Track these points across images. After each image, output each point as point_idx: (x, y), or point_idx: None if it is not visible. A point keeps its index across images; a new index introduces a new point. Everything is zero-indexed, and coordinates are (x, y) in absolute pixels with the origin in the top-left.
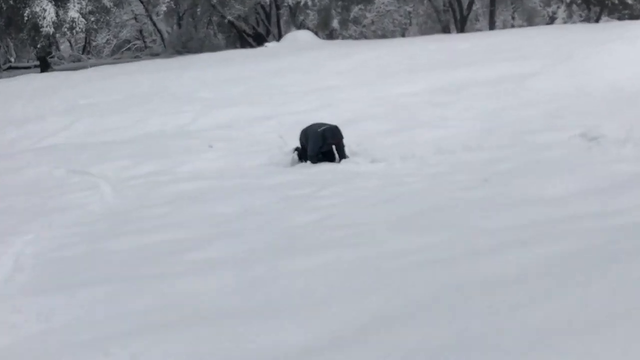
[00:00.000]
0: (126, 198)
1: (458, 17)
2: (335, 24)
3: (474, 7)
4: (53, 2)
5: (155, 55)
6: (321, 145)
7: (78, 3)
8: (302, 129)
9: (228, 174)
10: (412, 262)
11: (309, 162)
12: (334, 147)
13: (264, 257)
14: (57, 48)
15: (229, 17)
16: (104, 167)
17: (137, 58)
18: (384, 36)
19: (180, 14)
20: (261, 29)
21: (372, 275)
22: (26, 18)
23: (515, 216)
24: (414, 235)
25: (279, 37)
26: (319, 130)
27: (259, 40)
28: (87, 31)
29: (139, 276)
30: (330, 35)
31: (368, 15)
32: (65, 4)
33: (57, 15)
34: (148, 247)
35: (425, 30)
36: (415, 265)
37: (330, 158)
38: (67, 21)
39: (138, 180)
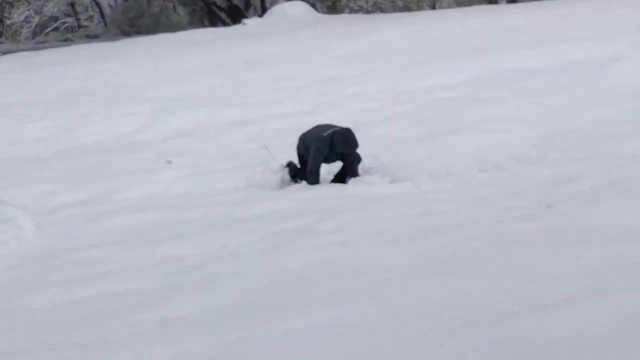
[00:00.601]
0: (51, 236)
1: None
2: None
3: None
4: None
5: (92, 37)
6: (327, 155)
7: None
8: (300, 135)
9: (191, 202)
10: (450, 322)
11: (305, 182)
12: (343, 158)
13: (241, 318)
14: None
15: None
16: (21, 193)
17: (67, 42)
18: (406, 8)
19: None
20: (238, 1)
21: (394, 342)
22: None
23: (591, 257)
24: (452, 285)
25: (262, 11)
26: (324, 134)
27: (235, 15)
28: None
29: (68, 346)
30: (333, 7)
31: None
32: None
33: None
34: (80, 305)
35: (462, 1)
36: (457, 326)
37: (340, 177)
38: None
39: (67, 211)
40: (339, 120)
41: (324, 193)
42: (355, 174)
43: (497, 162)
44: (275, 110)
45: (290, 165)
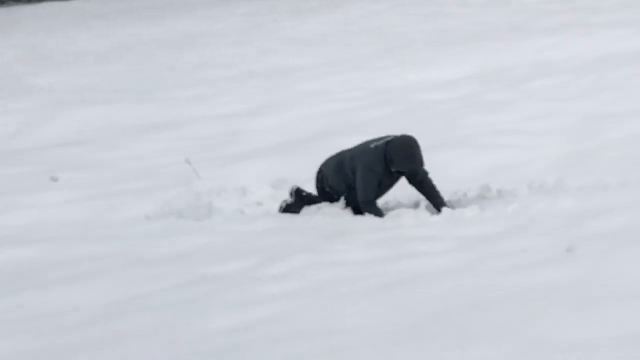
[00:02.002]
0: None
1: None
2: None
3: None
4: None
5: None
6: (382, 177)
7: None
8: (325, 160)
9: (88, 234)
10: None
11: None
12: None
13: None
14: None
15: None
16: None
17: None
18: None
19: None
20: None
21: None
22: None
23: (622, 321)
24: (436, 354)
25: None
26: (373, 146)
27: None
28: None
29: None
30: None
31: None
32: None
33: None
34: None
35: None
36: None
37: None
38: None
39: None
40: (292, 125)
41: (269, 226)
42: (441, 198)
43: (503, 188)
44: (203, 110)
45: (292, 205)
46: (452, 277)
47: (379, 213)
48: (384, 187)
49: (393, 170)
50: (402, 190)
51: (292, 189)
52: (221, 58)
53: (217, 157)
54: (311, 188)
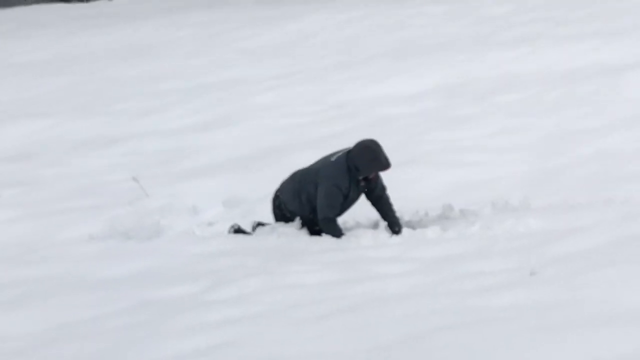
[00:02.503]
0: None
1: None
2: None
3: None
4: None
5: None
6: (347, 191)
7: None
8: (280, 185)
9: (27, 255)
10: None
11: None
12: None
13: None
14: None
15: None
16: None
17: None
18: None
19: None
20: None
21: None
22: None
23: (589, 348)
24: None
25: None
26: (333, 158)
27: None
28: None
29: None
30: None
31: None
32: None
33: None
34: None
35: None
36: None
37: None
38: None
39: None
40: (243, 141)
41: (221, 247)
42: (394, 216)
43: (465, 207)
44: (153, 124)
45: (257, 226)
46: (412, 300)
47: (338, 232)
48: (350, 201)
49: (360, 177)
50: (361, 209)
51: (254, 223)
52: (172, 69)
53: (166, 174)
54: (266, 209)
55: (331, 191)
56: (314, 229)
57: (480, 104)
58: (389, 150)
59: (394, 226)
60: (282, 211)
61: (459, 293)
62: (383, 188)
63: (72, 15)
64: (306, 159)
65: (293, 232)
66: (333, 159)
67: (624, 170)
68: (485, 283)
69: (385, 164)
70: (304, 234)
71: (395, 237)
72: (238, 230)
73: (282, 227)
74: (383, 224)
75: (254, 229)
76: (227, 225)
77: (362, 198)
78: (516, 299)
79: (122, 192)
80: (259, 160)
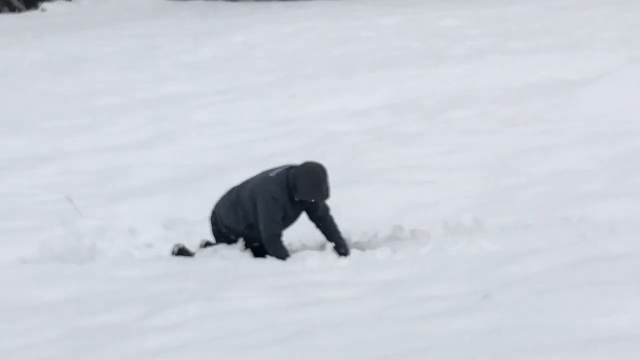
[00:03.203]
0: None
1: None
2: None
3: None
4: None
5: None
6: (285, 207)
7: None
8: (218, 200)
9: None
10: None
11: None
12: (308, 215)
13: None
14: None
15: None
16: None
17: None
18: None
19: None
20: None
21: None
22: None
23: None
24: None
25: None
26: (272, 174)
27: None
28: None
29: None
30: None
31: None
32: None
33: None
34: None
35: None
36: None
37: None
38: None
39: None
40: (184, 159)
41: (159, 270)
42: (339, 237)
43: (416, 228)
44: (87, 141)
45: (207, 245)
46: (359, 327)
47: (283, 252)
48: (288, 219)
49: (296, 199)
50: (307, 229)
51: (202, 242)
52: (108, 84)
53: (101, 194)
54: (207, 230)
55: (271, 206)
56: (256, 248)
57: (431, 120)
58: (336, 168)
59: (340, 248)
60: (218, 227)
61: (409, 319)
62: (326, 208)
63: (1, 26)
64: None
65: (236, 255)
66: (272, 174)
67: (579, 190)
68: (436, 308)
69: (324, 195)
70: (247, 256)
71: (343, 260)
72: (182, 251)
73: (225, 249)
74: (330, 245)
75: (202, 247)
76: (168, 247)
77: (304, 217)
78: (469, 323)
79: (55, 213)
80: (199, 179)
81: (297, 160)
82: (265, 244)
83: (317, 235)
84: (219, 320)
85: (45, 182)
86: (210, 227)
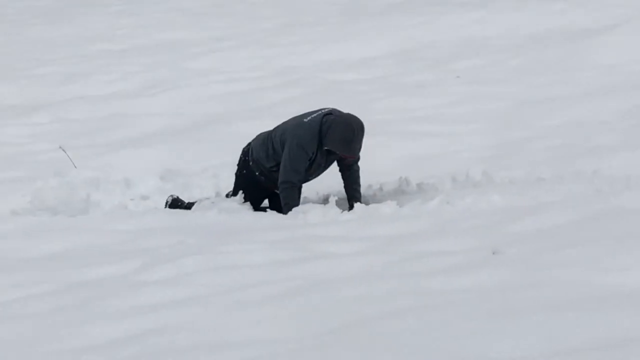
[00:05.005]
0: None
1: None
2: None
3: None
4: None
5: None
6: (313, 155)
7: None
8: (257, 135)
9: None
10: None
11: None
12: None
13: None
14: None
15: None
16: None
17: None
18: None
19: None
20: None
21: None
22: None
23: (552, 333)
24: None
25: None
26: (306, 119)
27: None
28: None
29: None
30: None
31: None
32: None
33: None
34: None
35: None
36: None
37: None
38: None
39: None
40: (182, 109)
41: (155, 223)
42: (356, 189)
43: (423, 181)
44: (80, 89)
45: (174, 203)
46: (363, 282)
47: (294, 202)
48: (316, 166)
49: (325, 148)
50: (309, 183)
51: (168, 199)
52: (101, 30)
53: (95, 144)
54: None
55: (296, 153)
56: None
57: (438, 70)
58: None
59: (352, 200)
60: (247, 158)
61: (414, 274)
62: (357, 158)
63: None
64: (249, 129)
65: (235, 208)
66: (307, 119)
67: (593, 142)
68: (443, 263)
69: (352, 152)
70: (246, 209)
71: (346, 214)
72: (176, 201)
73: (223, 202)
74: (334, 199)
75: (167, 204)
76: (163, 200)
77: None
78: (477, 280)
79: (48, 164)
80: (197, 130)
81: (300, 111)
82: (279, 188)
83: (320, 188)
84: (216, 275)
85: (37, 131)
86: (238, 162)
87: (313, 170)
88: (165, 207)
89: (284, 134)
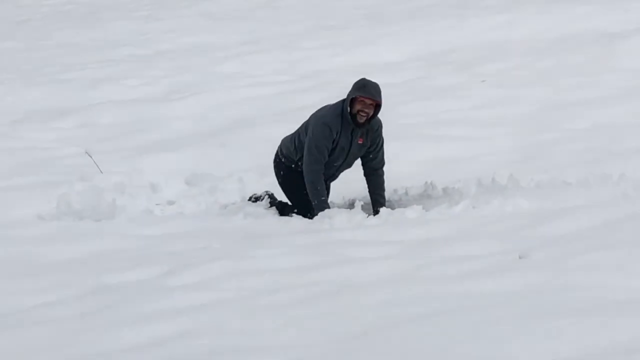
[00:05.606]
0: None
1: None
2: None
3: None
4: None
5: None
6: (337, 135)
7: None
8: (283, 138)
9: None
10: None
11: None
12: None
13: None
14: None
15: None
16: None
17: None
18: None
19: None
20: None
21: None
22: None
23: (578, 337)
24: None
25: None
26: (331, 104)
27: None
28: None
29: None
30: None
31: None
32: None
33: None
34: None
35: None
36: None
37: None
38: None
39: None
40: (205, 113)
41: (181, 228)
42: (380, 194)
43: (449, 186)
44: (107, 94)
45: (268, 197)
46: (389, 286)
47: (321, 200)
48: (339, 150)
49: (348, 110)
50: (335, 188)
51: (263, 195)
52: (127, 35)
53: (121, 148)
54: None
55: (321, 130)
56: (283, 209)
57: (464, 74)
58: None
59: (377, 205)
60: (279, 158)
61: (441, 278)
62: (382, 161)
63: None
64: (274, 133)
65: (260, 213)
66: (331, 104)
67: (620, 146)
68: (470, 267)
69: (370, 93)
70: (272, 214)
71: (372, 218)
72: (272, 200)
73: (249, 206)
74: (360, 203)
75: (254, 199)
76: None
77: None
78: (503, 284)
79: (74, 168)
80: (223, 133)
81: None
82: (304, 174)
83: (345, 193)
84: (243, 279)
85: (63, 135)
86: (273, 168)
87: (337, 155)
88: (255, 201)
89: (308, 125)
